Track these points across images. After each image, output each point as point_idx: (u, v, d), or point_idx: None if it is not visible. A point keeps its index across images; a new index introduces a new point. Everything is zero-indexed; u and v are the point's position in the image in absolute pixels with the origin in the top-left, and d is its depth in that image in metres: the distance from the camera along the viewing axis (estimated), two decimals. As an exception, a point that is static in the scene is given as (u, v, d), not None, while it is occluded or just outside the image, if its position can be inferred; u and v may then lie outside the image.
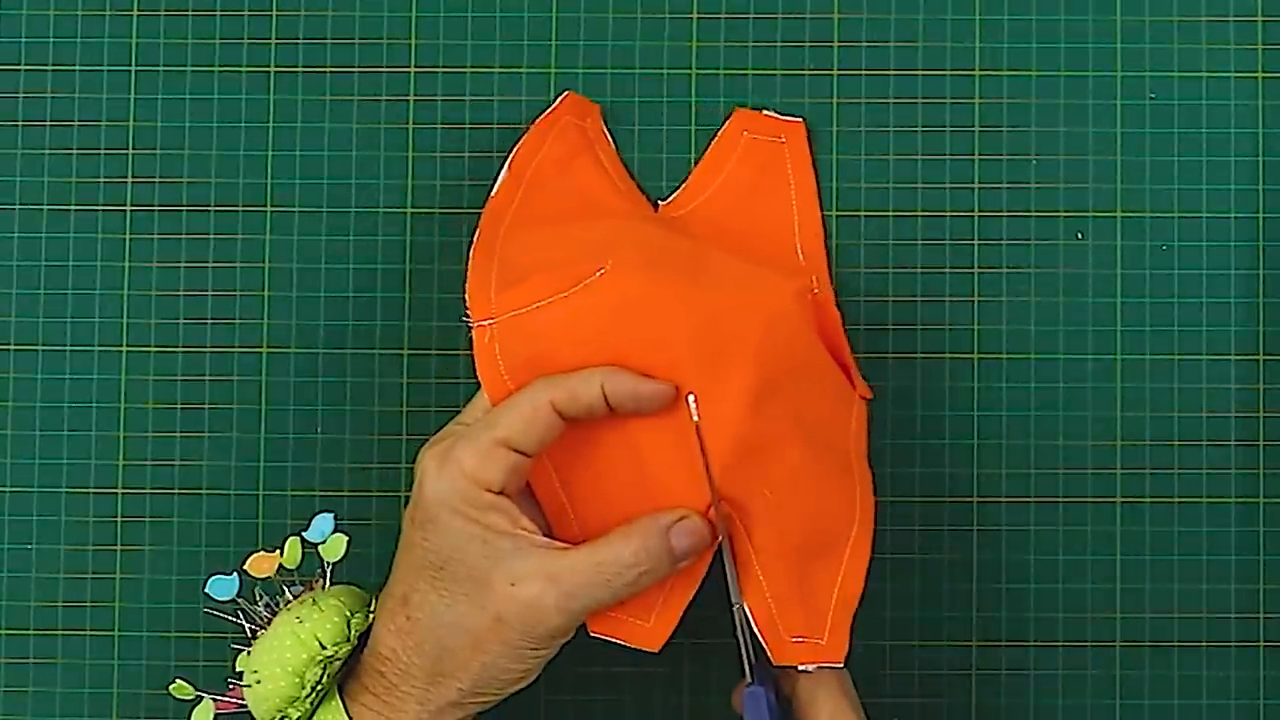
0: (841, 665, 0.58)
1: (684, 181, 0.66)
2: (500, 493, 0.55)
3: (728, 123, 0.66)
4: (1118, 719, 0.65)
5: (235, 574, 0.58)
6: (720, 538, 0.57)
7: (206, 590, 0.58)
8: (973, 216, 0.66)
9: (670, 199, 0.66)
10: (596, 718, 0.66)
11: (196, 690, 0.58)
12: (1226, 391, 0.66)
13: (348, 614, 0.57)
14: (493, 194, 0.64)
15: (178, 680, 0.58)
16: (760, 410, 0.57)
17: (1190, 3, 0.66)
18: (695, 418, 0.56)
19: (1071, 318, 0.66)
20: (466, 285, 0.60)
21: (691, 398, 0.56)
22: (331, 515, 0.59)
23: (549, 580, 0.54)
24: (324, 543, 0.58)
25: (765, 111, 0.66)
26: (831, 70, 0.67)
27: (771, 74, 0.67)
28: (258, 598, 0.58)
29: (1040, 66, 0.66)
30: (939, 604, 0.65)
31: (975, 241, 0.66)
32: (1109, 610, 0.65)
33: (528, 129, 0.66)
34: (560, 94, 0.66)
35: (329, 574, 0.59)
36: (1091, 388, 0.66)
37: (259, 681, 0.56)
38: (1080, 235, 0.66)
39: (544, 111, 0.66)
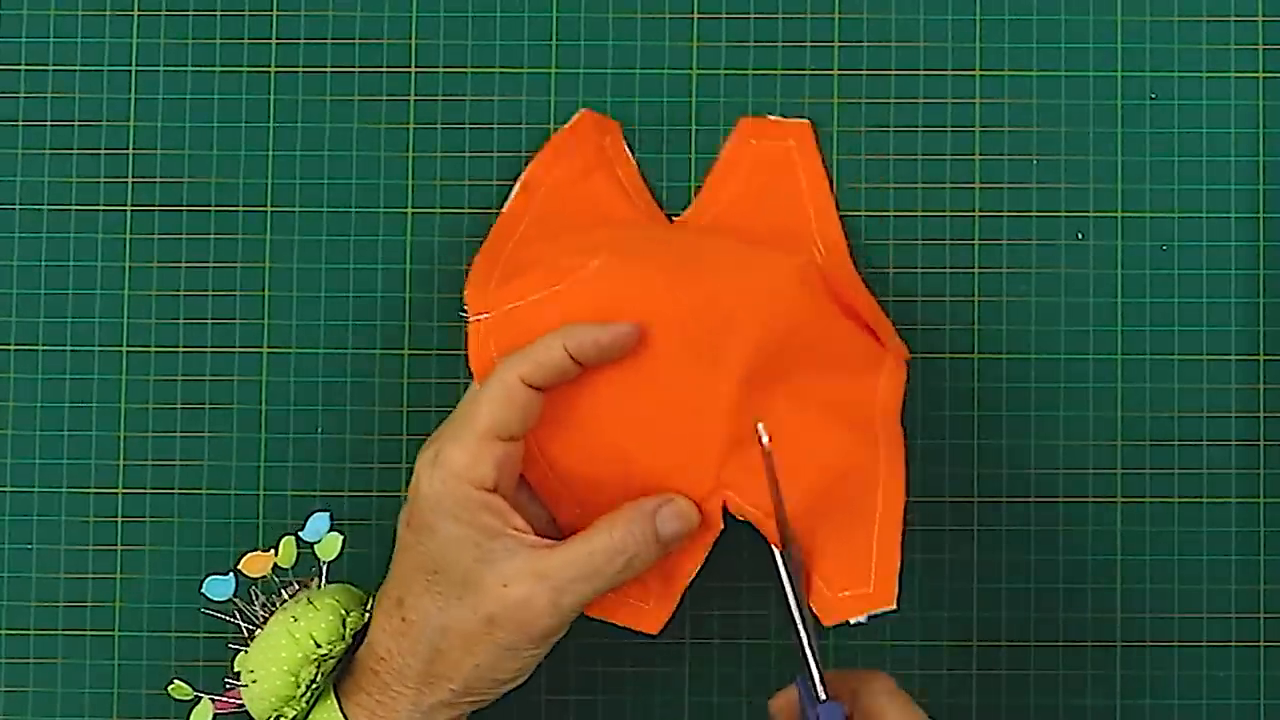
0: (894, 609, 0.57)
1: (695, 196, 0.66)
2: (494, 490, 0.55)
3: (733, 133, 0.66)
4: (1118, 719, 0.65)
5: (231, 574, 0.58)
6: (782, 554, 0.57)
7: (203, 591, 0.58)
8: (973, 216, 0.66)
9: (683, 214, 0.66)
10: (598, 717, 0.66)
11: (195, 691, 0.58)
12: (1226, 391, 0.66)
13: (343, 612, 0.57)
14: (504, 208, 0.65)
15: (176, 681, 0.58)
16: (758, 387, 0.57)
17: (1191, 3, 0.67)
18: (766, 440, 0.56)
19: (1072, 318, 0.66)
20: (466, 285, 0.61)
21: (761, 426, 0.57)
22: (327, 514, 0.59)
23: (539, 579, 0.54)
24: (319, 542, 0.58)
25: (770, 117, 0.66)
26: (832, 70, 0.67)
27: (771, 74, 0.67)
28: (254, 597, 0.58)
29: (1041, 66, 0.66)
30: (939, 604, 0.65)
31: (975, 241, 0.66)
32: (1109, 610, 0.65)
33: (543, 144, 0.66)
34: (577, 112, 0.66)
35: (324, 573, 0.59)
36: (1091, 388, 0.66)
37: (255, 681, 0.56)
38: (1081, 235, 0.66)
39: (561, 127, 0.66)
